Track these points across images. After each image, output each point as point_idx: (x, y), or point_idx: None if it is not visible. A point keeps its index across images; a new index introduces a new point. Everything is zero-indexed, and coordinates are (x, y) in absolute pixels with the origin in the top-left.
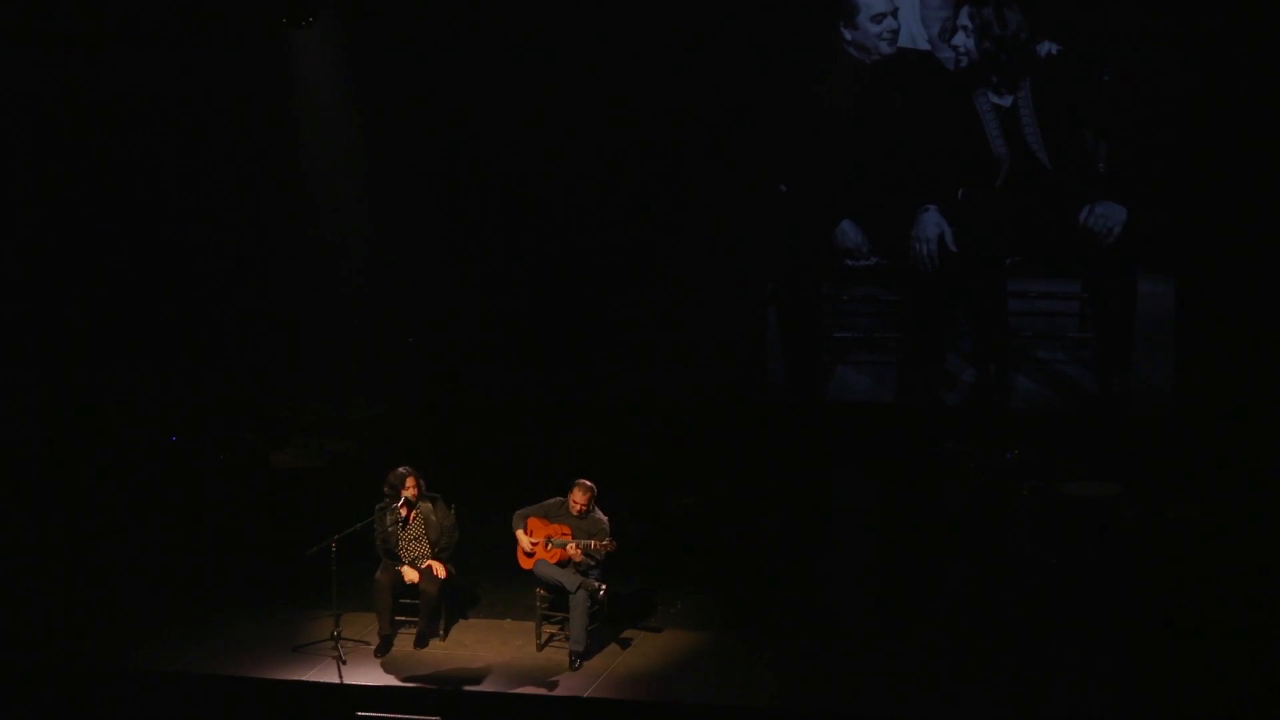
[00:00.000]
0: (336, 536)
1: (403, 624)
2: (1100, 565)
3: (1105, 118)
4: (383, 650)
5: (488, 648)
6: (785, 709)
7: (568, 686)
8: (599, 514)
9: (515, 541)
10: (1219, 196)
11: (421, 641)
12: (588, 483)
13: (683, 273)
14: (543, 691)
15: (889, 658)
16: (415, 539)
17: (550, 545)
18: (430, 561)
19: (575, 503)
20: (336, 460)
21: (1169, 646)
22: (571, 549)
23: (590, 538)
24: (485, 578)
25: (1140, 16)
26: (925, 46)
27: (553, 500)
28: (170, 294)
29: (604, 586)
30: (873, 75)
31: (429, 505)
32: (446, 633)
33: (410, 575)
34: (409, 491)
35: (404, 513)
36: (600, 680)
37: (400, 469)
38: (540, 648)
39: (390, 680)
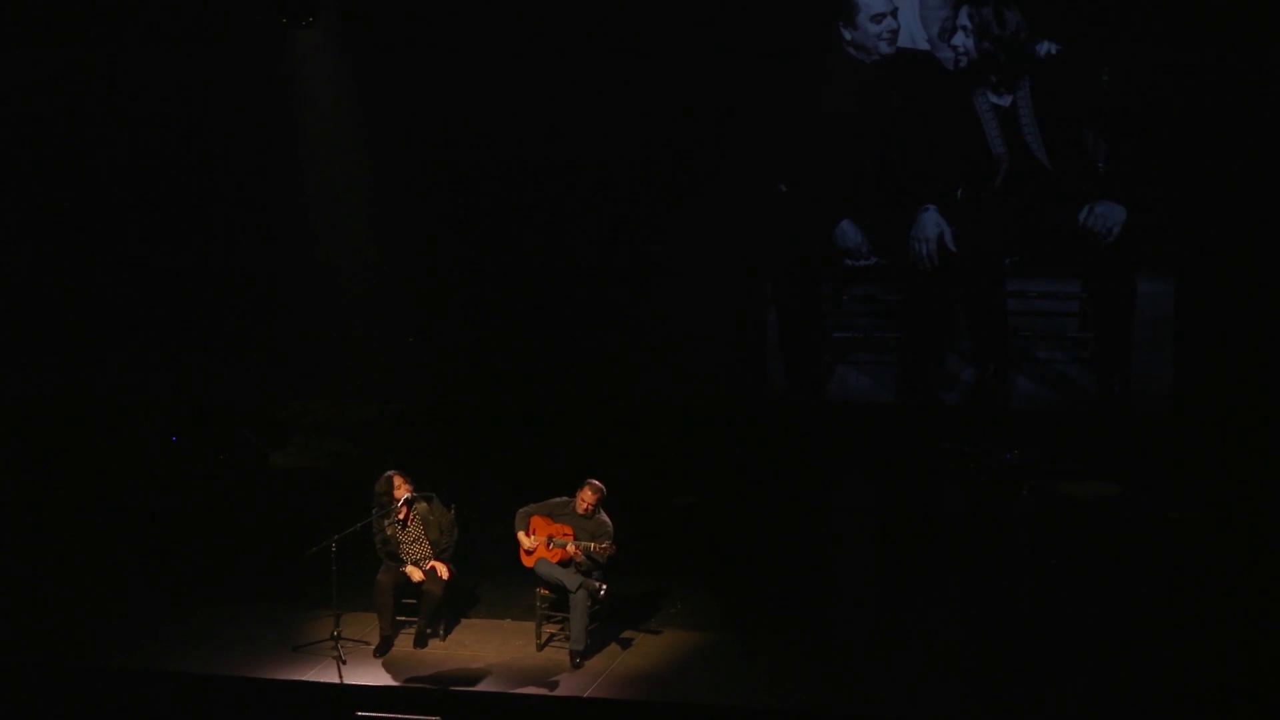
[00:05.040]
0: (336, 536)
1: (403, 624)
2: (1100, 565)
3: (1105, 118)
4: (383, 650)
5: (488, 648)
6: (785, 709)
7: (568, 686)
8: (604, 516)
9: (516, 541)
10: (1219, 196)
11: (421, 641)
12: (598, 483)
13: (683, 273)
14: (543, 691)
15: (889, 658)
16: (416, 540)
17: (552, 545)
18: (434, 563)
19: (583, 501)
20: (336, 460)
21: (1169, 647)
22: (571, 549)
23: (592, 539)
24: (485, 578)
25: (1140, 16)
26: (925, 46)
27: (558, 499)
28: (171, 294)
29: (604, 587)
30: (873, 75)
31: (425, 505)
32: (446, 633)
33: (415, 574)
34: (401, 491)
35: (402, 514)
36: (600, 680)
37: (386, 473)
38: (540, 648)
39: (390, 680)
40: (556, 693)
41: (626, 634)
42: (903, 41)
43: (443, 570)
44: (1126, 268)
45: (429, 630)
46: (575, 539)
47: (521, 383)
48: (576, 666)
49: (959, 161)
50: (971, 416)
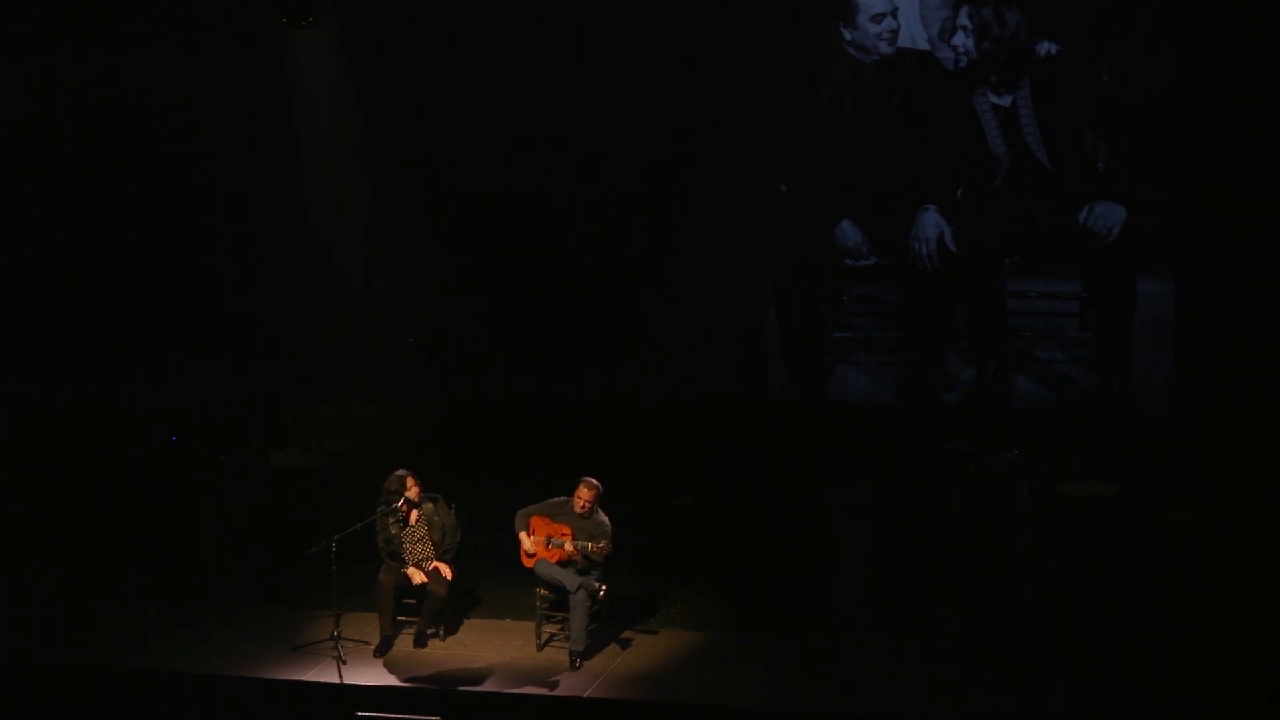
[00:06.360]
0: (336, 536)
1: (403, 624)
2: (1100, 565)
3: (1105, 118)
4: (383, 650)
5: (488, 648)
6: (785, 709)
7: (568, 686)
8: (602, 515)
9: (516, 541)
10: (1218, 196)
11: (421, 641)
12: (594, 481)
13: (683, 273)
14: (543, 691)
15: (889, 658)
16: (419, 540)
17: (550, 544)
18: (437, 564)
19: (580, 499)
20: (336, 460)
21: (1169, 646)
22: (569, 548)
23: (590, 539)
24: (485, 578)
25: (1140, 16)
26: (925, 46)
27: (557, 499)
28: (171, 294)
29: (604, 587)
30: (873, 75)
31: (430, 506)
32: (447, 633)
33: (417, 577)
34: (411, 492)
35: (406, 513)
36: (600, 680)
37: (398, 472)
38: (540, 648)
39: (390, 680)
40: (556, 693)
41: (626, 634)
42: (903, 41)
43: (446, 571)
44: (1126, 268)
45: (430, 630)
46: (574, 538)
47: (521, 382)
48: (576, 667)
49: (959, 161)
50: (971, 416)
